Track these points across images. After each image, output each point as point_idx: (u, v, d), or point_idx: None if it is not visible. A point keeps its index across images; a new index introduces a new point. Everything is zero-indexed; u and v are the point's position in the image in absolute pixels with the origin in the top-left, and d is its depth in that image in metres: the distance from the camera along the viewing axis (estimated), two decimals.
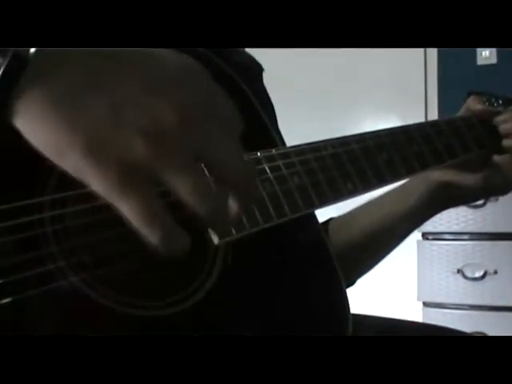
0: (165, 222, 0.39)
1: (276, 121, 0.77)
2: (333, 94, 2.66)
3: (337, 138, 0.63)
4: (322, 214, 0.70)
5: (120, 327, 0.46)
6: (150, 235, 0.38)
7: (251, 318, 0.53)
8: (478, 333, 1.88)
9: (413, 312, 2.03)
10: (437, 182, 0.81)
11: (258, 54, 0.81)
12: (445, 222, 2.04)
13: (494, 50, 2.43)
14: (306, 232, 0.61)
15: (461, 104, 0.85)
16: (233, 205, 0.42)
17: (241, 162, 0.41)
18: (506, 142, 0.79)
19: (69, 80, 0.37)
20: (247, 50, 0.82)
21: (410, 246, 1.99)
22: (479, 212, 1.99)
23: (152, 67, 0.40)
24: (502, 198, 1.94)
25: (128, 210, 0.38)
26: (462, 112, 0.84)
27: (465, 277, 2.00)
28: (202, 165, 0.40)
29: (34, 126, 0.37)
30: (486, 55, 2.45)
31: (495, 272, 1.95)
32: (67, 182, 0.48)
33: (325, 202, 0.58)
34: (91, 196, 0.40)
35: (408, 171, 0.68)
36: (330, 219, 0.88)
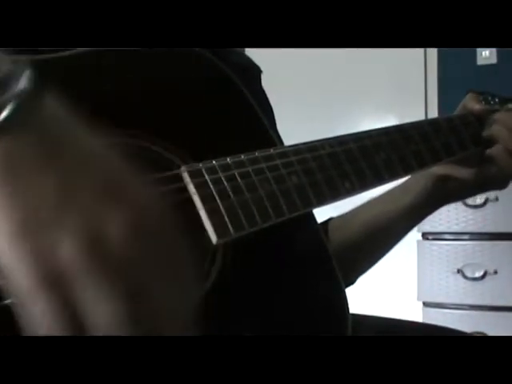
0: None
1: (274, 122, 0.77)
2: (332, 93, 2.66)
3: (334, 138, 0.63)
4: (321, 214, 0.70)
5: None
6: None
7: (250, 317, 0.53)
8: (477, 333, 1.88)
9: (413, 312, 2.03)
10: (435, 175, 0.82)
11: (257, 53, 0.81)
12: (445, 221, 2.04)
13: (493, 50, 2.43)
14: (304, 232, 0.61)
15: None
16: None
17: (180, 309, 0.37)
18: (496, 131, 0.79)
19: (24, 157, 0.33)
20: (246, 50, 0.82)
21: (410, 245, 1.99)
22: (479, 212, 1.99)
23: (116, 173, 0.36)
24: (501, 198, 1.94)
25: (36, 312, 0.33)
26: (458, 110, 0.84)
27: (465, 277, 2.00)
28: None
29: None
30: (485, 55, 2.45)
31: (495, 272, 1.95)
32: None
33: (323, 201, 0.58)
34: None
35: (405, 170, 0.68)
36: (330, 219, 0.88)
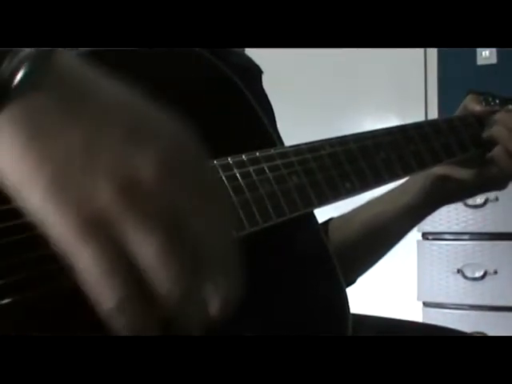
0: (122, 286, 0.33)
1: (275, 122, 0.77)
2: (333, 94, 2.66)
3: (335, 138, 0.63)
4: (321, 214, 0.70)
5: None
6: (101, 299, 0.33)
7: (250, 317, 0.53)
8: (477, 333, 1.88)
9: (413, 312, 2.03)
10: (435, 175, 0.82)
11: (257, 53, 0.81)
12: (445, 221, 2.04)
13: (493, 50, 2.43)
14: (305, 232, 0.61)
15: (461, 104, 0.86)
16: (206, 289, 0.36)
17: (221, 240, 0.36)
18: (496, 132, 0.79)
19: (46, 112, 0.34)
20: (247, 51, 0.82)
21: (410, 245, 1.99)
22: (479, 212, 1.99)
23: (139, 117, 0.37)
24: (501, 198, 1.94)
25: (83, 261, 0.33)
26: (459, 111, 0.84)
27: (465, 277, 2.00)
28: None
29: (4, 153, 0.34)
30: (486, 55, 2.45)
31: (495, 272, 1.95)
32: None
33: (323, 201, 0.58)
34: None
35: (405, 171, 0.68)
36: (330, 219, 0.88)
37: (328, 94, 2.66)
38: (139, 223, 0.33)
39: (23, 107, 0.34)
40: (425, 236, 2.08)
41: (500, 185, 0.83)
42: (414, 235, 2.05)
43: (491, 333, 1.82)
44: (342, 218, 0.88)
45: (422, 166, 0.71)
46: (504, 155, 0.78)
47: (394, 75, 2.61)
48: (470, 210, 2.00)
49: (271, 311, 0.55)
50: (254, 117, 0.61)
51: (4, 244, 0.43)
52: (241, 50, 0.82)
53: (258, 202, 0.53)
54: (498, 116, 0.81)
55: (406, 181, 0.84)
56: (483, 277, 1.96)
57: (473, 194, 0.86)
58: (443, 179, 0.82)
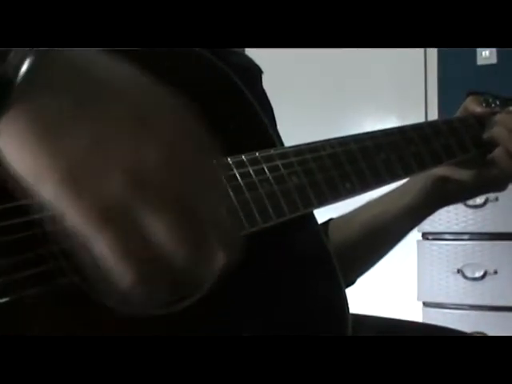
0: (140, 266, 0.36)
1: (275, 123, 0.77)
2: (333, 94, 2.66)
3: (335, 138, 0.63)
4: (322, 215, 0.70)
5: (120, 327, 0.46)
6: (122, 277, 0.36)
7: (250, 317, 0.53)
8: (477, 333, 1.88)
9: (413, 312, 2.03)
10: (435, 176, 0.82)
11: (257, 54, 0.81)
12: (445, 222, 2.04)
13: (493, 50, 2.43)
14: (305, 233, 0.61)
15: (461, 104, 0.86)
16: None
17: (222, 220, 0.39)
18: (497, 133, 0.79)
19: (55, 106, 0.35)
20: (247, 51, 0.82)
21: (410, 246, 1.99)
22: (479, 212, 1.99)
23: (147, 105, 0.38)
24: (501, 198, 1.94)
25: (101, 247, 0.35)
26: (459, 112, 0.84)
27: (465, 277, 2.00)
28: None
29: (15, 148, 0.35)
30: (486, 55, 2.45)
31: (495, 272, 1.95)
32: None
33: (323, 201, 0.58)
34: None
35: (405, 171, 0.68)
36: (330, 220, 0.88)
37: (328, 94, 2.66)
38: (150, 207, 0.36)
39: (31, 102, 0.35)
40: (425, 236, 2.08)
41: (500, 186, 0.82)
42: (414, 235, 2.05)
43: (491, 333, 1.82)
44: (342, 218, 0.88)
45: (423, 166, 0.71)
46: (504, 156, 0.78)
47: (394, 75, 2.61)
48: (470, 210, 2.00)
49: (271, 311, 0.55)
50: (253, 117, 0.61)
51: (1, 243, 0.43)
52: (241, 50, 0.82)
53: (257, 202, 0.53)
54: (499, 117, 0.81)
55: (407, 182, 0.84)
56: (483, 277, 1.97)
57: (473, 195, 0.86)
58: (443, 180, 0.82)
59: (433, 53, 2.57)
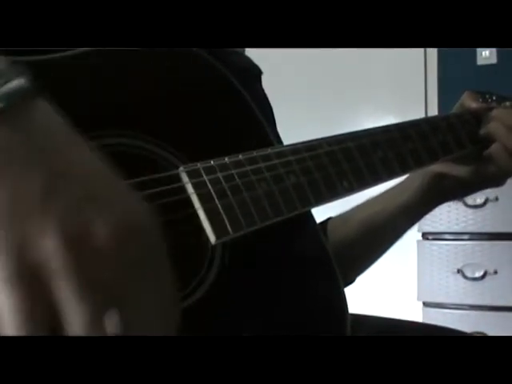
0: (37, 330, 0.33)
1: (274, 123, 0.77)
2: (332, 94, 2.66)
3: (332, 136, 0.63)
4: (321, 214, 0.70)
5: None
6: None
7: (249, 317, 0.53)
8: (477, 333, 1.88)
9: (413, 312, 2.03)
10: (432, 173, 0.82)
11: (257, 53, 0.81)
12: (445, 221, 2.04)
13: (493, 50, 2.43)
14: (304, 232, 0.61)
15: None
16: None
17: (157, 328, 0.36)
18: (493, 129, 0.79)
19: (11, 149, 0.33)
20: (247, 51, 0.82)
21: (410, 245, 1.99)
22: (479, 212, 1.99)
23: (104, 179, 0.35)
24: (501, 198, 1.94)
25: (4, 305, 0.32)
26: (456, 109, 0.84)
27: (465, 277, 2.00)
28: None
29: None
30: (486, 55, 2.45)
31: (495, 272, 1.95)
32: None
33: (321, 200, 0.58)
34: None
35: (403, 169, 0.68)
36: (329, 218, 0.88)
37: (328, 94, 2.66)
38: (75, 286, 0.32)
39: None
40: (425, 236, 2.08)
41: (498, 181, 0.82)
42: (414, 235, 2.05)
43: (491, 333, 1.82)
44: (341, 217, 0.88)
45: (420, 163, 0.71)
46: (501, 152, 0.78)
47: (394, 75, 2.61)
48: (469, 210, 2.00)
49: (270, 311, 0.55)
50: (251, 117, 0.61)
51: None
52: (241, 50, 0.82)
53: (255, 201, 0.53)
54: (495, 112, 0.80)
55: (404, 179, 0.84)
56: (483, 277, 1.97)
57: (471, 192, 0.86)
58: (441, 177, 0.82)
59: (433, 53, 2.57)
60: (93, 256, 0.32)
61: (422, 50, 2.58)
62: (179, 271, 0.50)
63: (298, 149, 0.59)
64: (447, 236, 2.05)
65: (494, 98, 0.84)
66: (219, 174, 0.52)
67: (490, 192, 1.93)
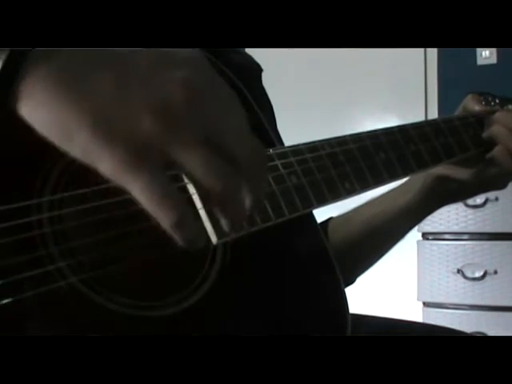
0: (178, 205, 0.38)
1: (275, 122, 0.77)
2: (332, 94, 2.66)
3: (334, 138, 0.63)
4: (321, 214, 0.70)
5: (119, 328, 0.46)
6: (163, 218, 0.37)
7: (250, 318, 0.53)
8: (477, 333, 1.88)
9: (413, 312, 2.03)
10: (434, 175, 0.81)
11: (257, 53, 0.81)
12: (445, 222, 2.04)
13: (494, 50, 2.43)
14: (305, 233, 0.61)
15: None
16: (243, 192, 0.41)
17: (252, 145, 0.41)
18: (496, 132, 0.79)
19: (71, 61, 0.37)
20: (247, 50, 0.82)
21: (410, 245, 1.99)
22: (479, 212, 1.99)
23: (163, 52, 0.40)
24: (501, 198, 1.94)
25: (139, 189, 0.37)
26: (458, 111, 0.84)
27: (465, 277, 2.00)
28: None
29: (38, 110, 0.37)
30: (486, 55, 2.45)
31: (495, 272, 1.95)
32: (66, 181, 0.48)
33: (323, 201, 0.58)
34: (89, 196, 0.39)
35: (405, 171, 0.68)
36: (330, 218, 0.88)
37: (328, 93, 2.66)
38: (181, 141, 0.37)
39: (49, 64, 0.37)
40: (425, 236, 2.08)
41: (500, 184, 0.82)
42: (414, 235, 2.05)
43: (491, 333, 1.83)
44: (342, 217, 0.88)
45: (422, 166, 0.71)
46: (504, 155, 0.78)
47: (394, 75, 2.61)
48: (469, 210, 2.00)
49: (270, 311, 0.55)
50: (252, 116, 0.61)
51: (3, 244, 0.43)
52: (241, 49, 0.82)
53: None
54: (498, 115, 0.80)
55: (406, 181, 0.84)
56: (483, 277, 1.96)
57: (473, 194, 0.86)
58: (443, 179, 0.82)
59: (433, 53, 2.57)
60: (181, 113, 0.37)
61: (421, 49, 2.58)
62: (181, 271, 0.50)
63: (300, 150, 0.59)
64: (447, 236, 2.05)
65: (497, 100, 0.84)
66: None
67: (490, 192, 1.92)
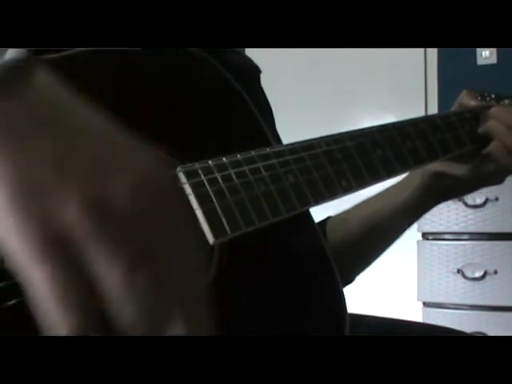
0: (75, 318, 0.31)
1: (274, 122, 0.77)
2: (332, 94, 2.66)
3: (330, 136, 0.63)
4: (319, 213, 0.69)
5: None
6: (58, 326, 0.31)
7: (247, 318, 0.53)
8: (477, 333, 1.88)
9: (413, 312, 2.03)
10: (431, 172, 0.82)
11: (257, 53, 0.81)
12: (445, 222, 2.04)
13: (494, 50, 2.43)
14: (302, 232, 0.61)
15: None
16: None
17: (189, 278, 0.35)
18: (491, 127, 0.79)
19: (19, 121, 0.32)
20: (246, 50, 0.82)
21: (410, 245, 1.99)
22: (479, 212, 1.99)
23: (114, 139, 0.35)
24: (501, 198, 1.95)
25: (38, 282, 0.30)
26: (454, 107, 0.84)
27: (465, 277, 2.00)
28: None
29: None
30: (486, 55, 2.46)
31: (495, 272, 1.95)
32: None
33: (320, 199, 0.58)
34: None
35: (402, 167, 0.68)
36: (328, 217, 0.88)
37: (328, 93, 2.67)
38: (104, 246, 0.31)
39: None
40: (425, 236, 2.08)
41: (497, 180, 0.82)
42: (414, 235, 2.05)
43: (491, 333, 1.83)
44: (340, 216, 0.88)
45: (419, 162, 0.71)
46: (500, 150, 0.78)
47: (394, 75, 2.62)
48: (469, 210, 2.00)
49: (268, 311, 0.55)
50: (251, 117, 0.61)
51: None
52: (240, 49, 0.82)
53: (253, 201, 0.53)
54: (494, 110, 0.80)
55: (403, 178, 0.84)
56: (483, 277, 1.97)
57: (470, 190, 0.85)
58: (440, 176, 0.82)
59: (433, 53, 2.57)
60: (118, 215, 0.32)
61: (421, 50, 2.58)
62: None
63: (297, 148, 0.59)
64: (447, 236, 2.05)
65: (493, 96, 0.84)
66: (217, 174, 0.52)
67: (489, 192, 1.93)
